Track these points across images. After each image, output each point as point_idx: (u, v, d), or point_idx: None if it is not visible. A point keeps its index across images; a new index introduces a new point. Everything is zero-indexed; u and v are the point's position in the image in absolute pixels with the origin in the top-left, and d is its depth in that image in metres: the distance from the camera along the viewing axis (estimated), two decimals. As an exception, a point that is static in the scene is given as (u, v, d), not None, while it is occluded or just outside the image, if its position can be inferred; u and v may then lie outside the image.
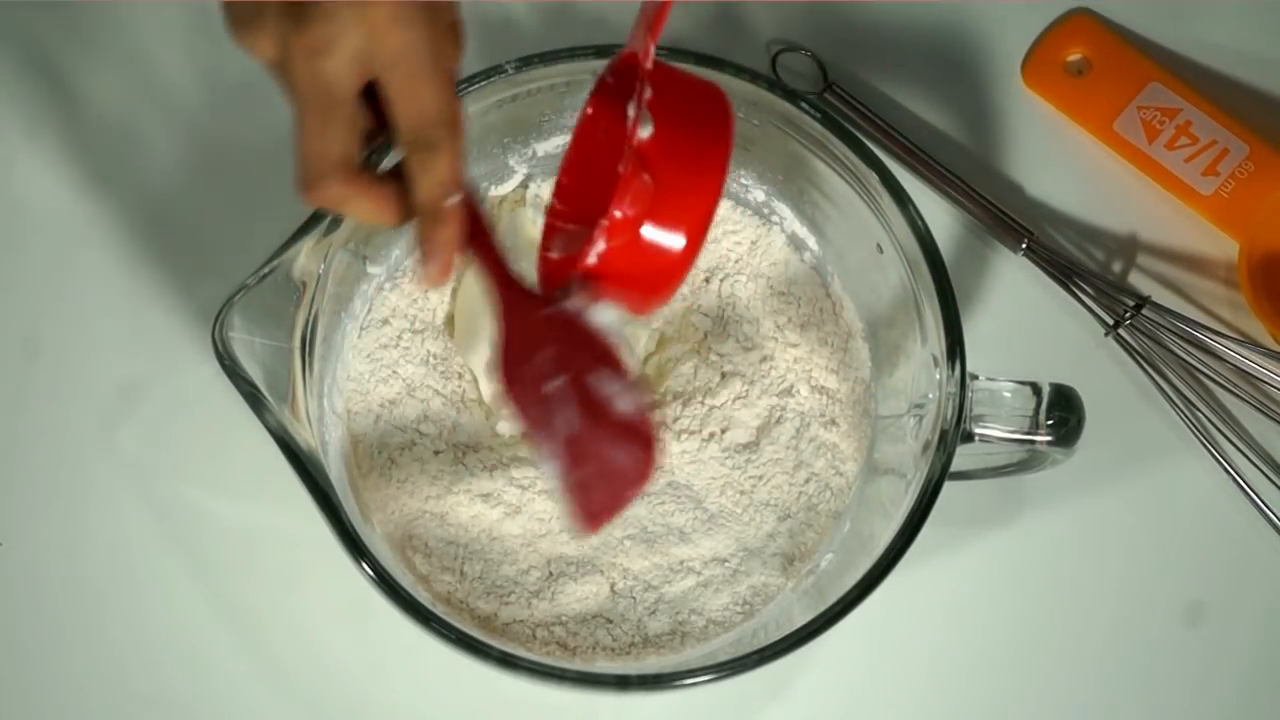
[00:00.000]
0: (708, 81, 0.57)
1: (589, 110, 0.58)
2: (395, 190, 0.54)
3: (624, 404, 0.55)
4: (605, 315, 0.55)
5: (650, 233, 0.54)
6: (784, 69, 0.76)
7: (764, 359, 0.70)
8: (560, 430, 0.55)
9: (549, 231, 0.60)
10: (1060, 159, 0.76)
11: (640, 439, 0.55)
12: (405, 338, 0.69)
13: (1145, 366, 0.71)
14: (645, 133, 0.53)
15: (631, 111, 0.52)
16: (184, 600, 0.68)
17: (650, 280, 0.55)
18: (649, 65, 0.53)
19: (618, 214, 0.53)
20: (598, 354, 0.55)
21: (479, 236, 0.56)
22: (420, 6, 0.50)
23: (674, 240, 0.54)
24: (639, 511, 0.67)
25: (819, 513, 0.68)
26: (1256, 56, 0.78)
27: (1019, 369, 0.63)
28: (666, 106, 0.54)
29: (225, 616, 0.68)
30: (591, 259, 0.54)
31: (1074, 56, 0.77)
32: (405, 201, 0.54)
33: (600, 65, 0.66)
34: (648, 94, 0.53)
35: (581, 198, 0.59)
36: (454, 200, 0.53)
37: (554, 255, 0.59)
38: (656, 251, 0.54)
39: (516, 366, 0.55)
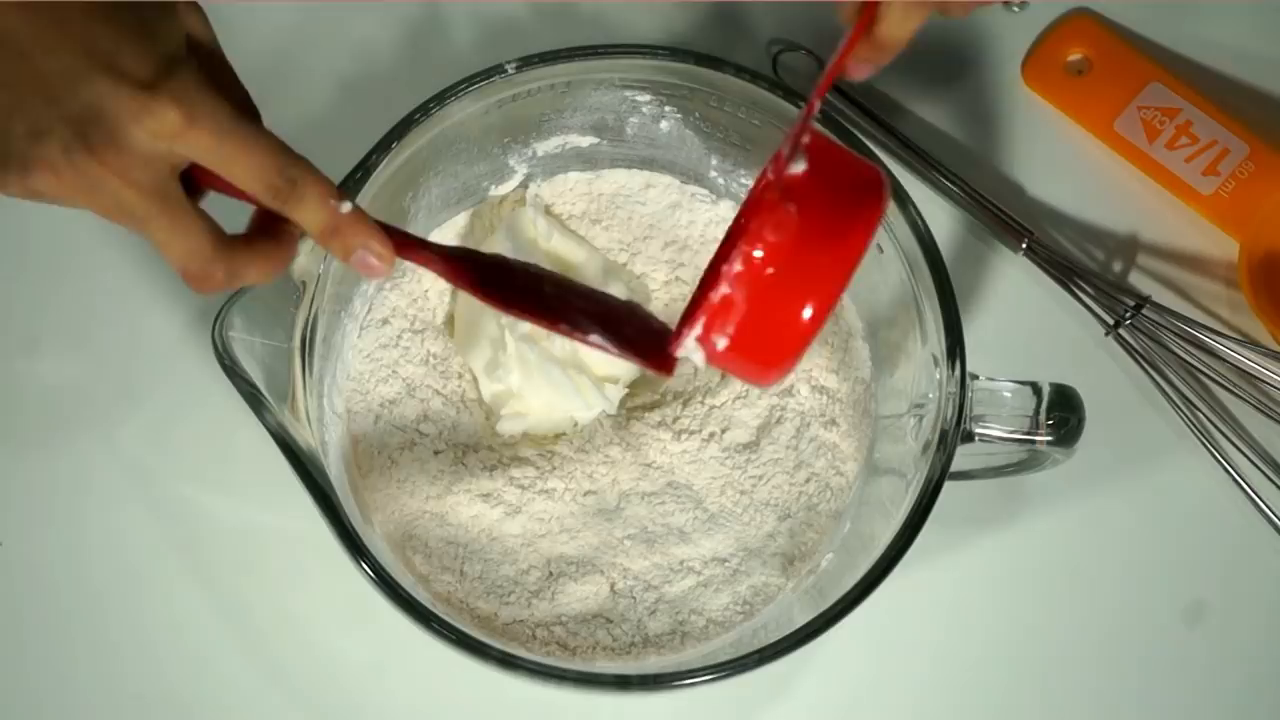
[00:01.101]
0: (867, 163, 0.54)
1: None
2: (274, 241, 0.52)
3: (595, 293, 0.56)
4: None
5: (781, 280, 0.51)
6: (784, 69, 0.76)
7: (764, 359, 0.70)
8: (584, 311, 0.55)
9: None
10: (1060, 159, 0.76)
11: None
12: (405, 338, 0.69)
13: (1145, 366, 0.71)
14: (797, 169, 0.51)
15: (787, 146, 0.51)
16: (184, 600, 0.68)
17: (771, 339, 0.53)
18: (813, 115, 0.51)
19: (756, 249, 0.51)
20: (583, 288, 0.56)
21: (405, 245, 0.54)
22: (201, 88, 0.47)
23: (803, 295, 0.52)
24: (639, 511, 0.67)
25: (819, 513, 0.68)
26: (1256, 56, 0.78)
27: (1019, 369, 0.63)
28: (821, 166, 0.52)
29: (225, 616, 0.68)
30: (722, 289, 0.51)
31: (1074, 56, 0.77)
32: (289, 244, 0.53)
33: (600, 65, 0.66)
34: (805, 138, 0.51)
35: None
36: (345, 208, 0.51)
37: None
38: (782, 306, 0.52)
39: (504, 292, 0.55)
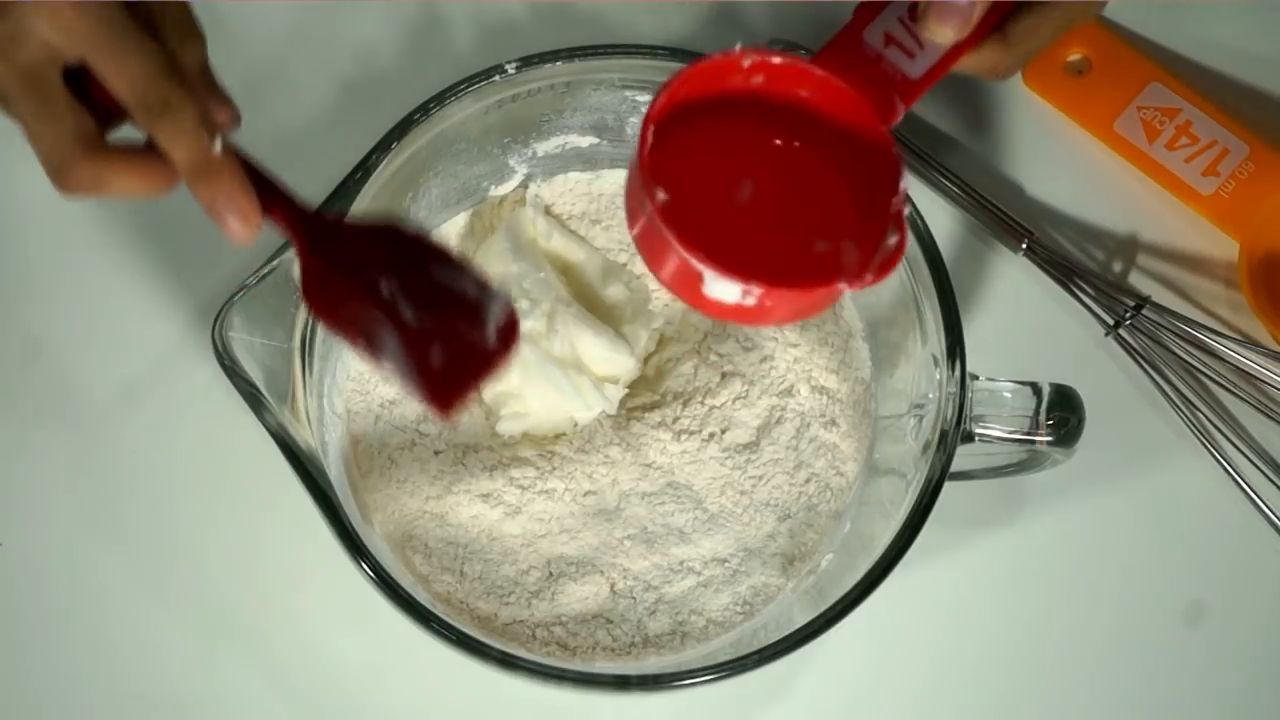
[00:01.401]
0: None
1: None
2: (154, 158, 0.50)
3: (468, 288, 0.52)
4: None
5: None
6: (784, 69, 0.76)
7: (764, 359, 0.70)
8: (389, 330, 0.51)
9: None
10: (1060, 159, 0.76)
11: (492, 306, 0.52)
12: (405, 338, 0.69)
13: (1145, 366, 0.71)
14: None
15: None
16: (183, 600, 0.68)
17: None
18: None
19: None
20: (422, 251, 0.52)
21: (273, 202, 0.52)
22: None
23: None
24: (639, 511, 0.67)
25: (819, 513, 0.68)
26: (1256, 56, 0.78)
27: (1019, 369, 0.63)
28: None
29: (225, 617, 0.68)
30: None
31: (1074, 56, 0.77)
32: (168, 167, 0.50)
33: (600, 65, 0.66)
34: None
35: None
36: (217, 147, 0.50)
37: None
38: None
39: (319, 289, 0.52)
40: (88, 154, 0.49)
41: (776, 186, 0.55)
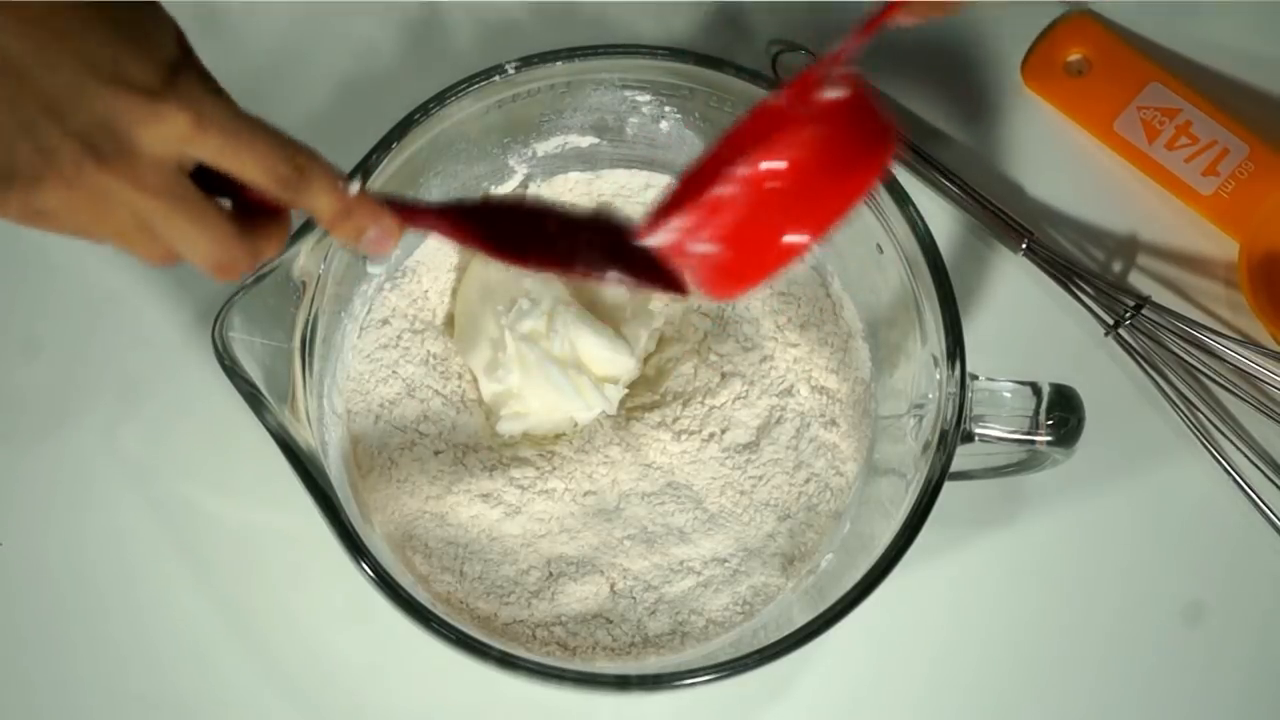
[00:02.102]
0: (885, 113, 0.54)
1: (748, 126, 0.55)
2: (279, 215, 0.52)
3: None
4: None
5: (781, 198, 0.51)
6: (784, 69, 0.76)
7: (764, 359, 0.70)
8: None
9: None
10: (1060, 159, 0.76)
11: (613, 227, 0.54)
12: (405, 338, 0.69)
13: (1145, 366, 0.71)
14: (833, 94, 0.51)
15: (827, 69, 0.50)
16: (184, 600, 0.68)
17: (749, 254, 0.53)
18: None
19: (770, 161, 0.50)
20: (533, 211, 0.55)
21: (409, 214, 0.54)
22: (205, 89, 0.47)
23: (797, 220, 0.52)
24: (639, 511, 0.67)
25: (819, 513, 0.68)
26: (1256, 56, 0.78)
27: (1019, 369, 0.63)
28: (852, 100, 0.52)
29: (225, 616, 0.68)
30: (723, 189, 0.50)
31: (1074, 56, 0.77)
32: (288, 214, 0.53)
33: (600, 65, 0.66)
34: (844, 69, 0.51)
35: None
36: (353, 190, 0.52)
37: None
38: (772, 224, 0.52)
39: (513, 248, 0.54)
40: (242, 240, 0.50)
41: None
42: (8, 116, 0.45)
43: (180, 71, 0.46)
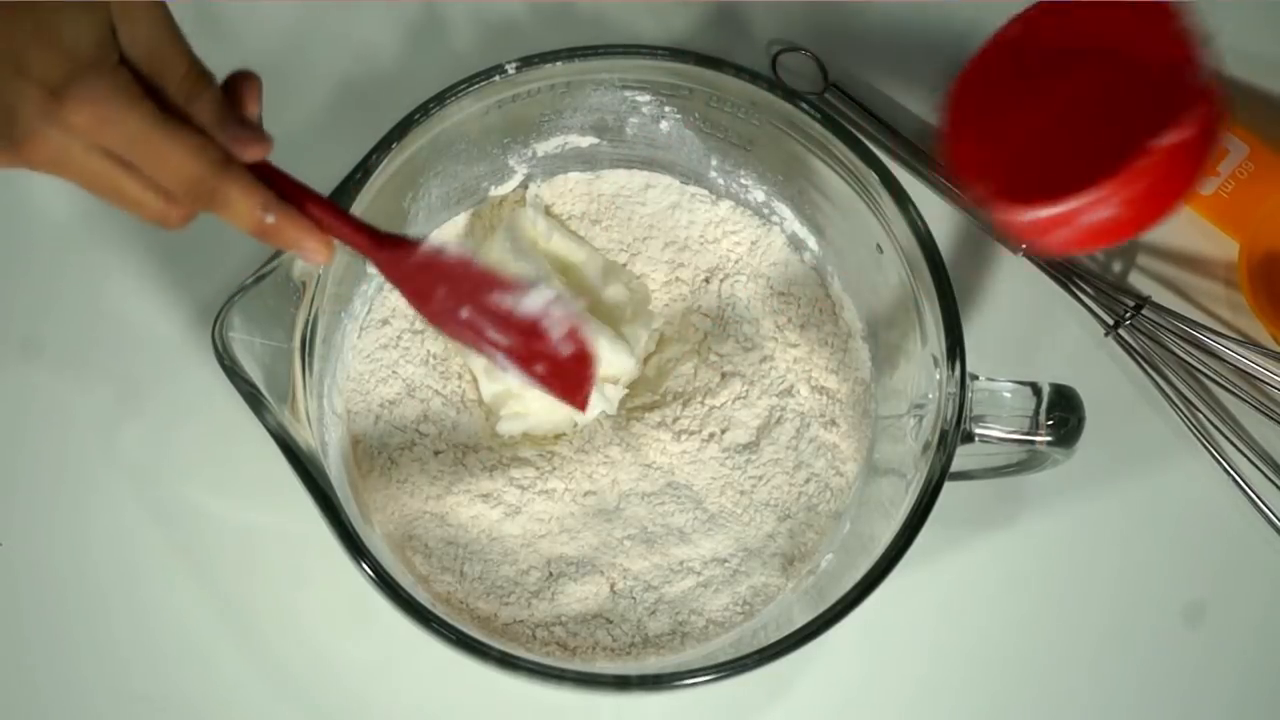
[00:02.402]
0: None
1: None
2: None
3: (529, 305, 0.55)
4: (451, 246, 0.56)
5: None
6: (784, 69, 0.76)
7: (764, 359, 0.70)
8: (498, 343, 0.56)
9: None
10: (1060, 159, 0.76)
11: (564, 328, 0.56)
12: (405, 338, 0.69)
13: (1145, 366, 0.71)
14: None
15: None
16: (184, 600, 0.68)
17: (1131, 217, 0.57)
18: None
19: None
20: (477, 279, 0.56)
21: (326, 216, 0.54)
22: (115, 93, 0.48)
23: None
24: (639, 512, 0.67)
25: (819, 513, 0.68)
26: (1256, 56, 0.78)
27: (1019, 369, 0.63)
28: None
29: (225, 617, 0.68)
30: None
31: (1074, 56, 0.77)
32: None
33: (600, 65, 0.66)
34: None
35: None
36: (269, 219, 0.52)
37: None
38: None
39: (429, 305, 0.56)
40: (216, 171, 0.51)
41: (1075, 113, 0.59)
42: None
43: (87, 71, 0.47)
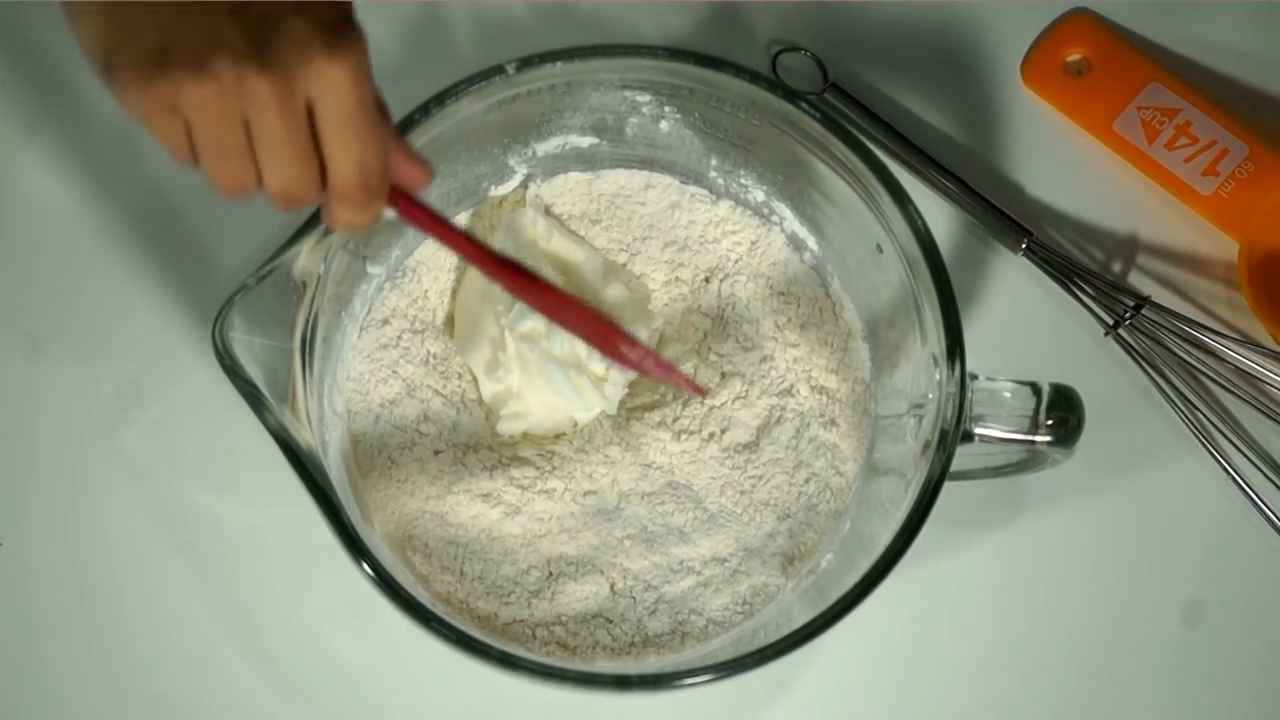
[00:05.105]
0: None
1: None
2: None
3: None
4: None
5: None
6: (784, 69, 0.76)
7: (764, 359, 0.70)
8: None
9: None
10: (1060, 159, 0.76)
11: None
12: (405, 338, 0.69)
13: (1145, 366, 0.71)
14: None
15: None
16: (184, 600, 0.68)
17: None
18: None
19: None
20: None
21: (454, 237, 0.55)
22: (367, 56, 0.49)
23: None
24: (639, 511, 0.67)
25: (819, 513, 0.68)
26: (1256, 56, 0.78)
27: (1019, 369, 0.63)
28: None
29: (225, 616, 0.68)
30: None
31: (1074, 57, 0.77)
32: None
33: (600, 65, 0.66)
34: None
35: None
36: (389, 214, 0.53)
37: None
38: None
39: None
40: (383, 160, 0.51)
41: None
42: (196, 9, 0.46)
43: (357, 26, 0.48)
